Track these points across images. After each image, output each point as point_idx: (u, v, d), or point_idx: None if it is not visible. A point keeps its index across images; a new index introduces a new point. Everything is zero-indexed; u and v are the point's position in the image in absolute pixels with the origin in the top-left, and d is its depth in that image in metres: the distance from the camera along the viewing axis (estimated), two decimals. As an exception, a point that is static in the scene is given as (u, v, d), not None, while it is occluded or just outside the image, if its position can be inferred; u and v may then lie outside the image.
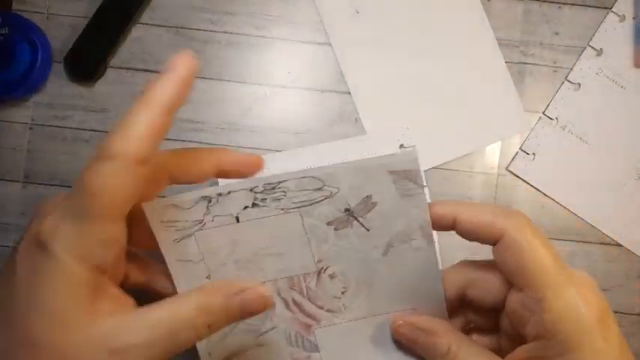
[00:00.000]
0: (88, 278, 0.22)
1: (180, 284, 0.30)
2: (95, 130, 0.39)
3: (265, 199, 0.29)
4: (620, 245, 0.39)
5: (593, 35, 0.40)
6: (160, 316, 0.23)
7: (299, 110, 0.39)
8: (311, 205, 0.30)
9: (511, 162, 0.39)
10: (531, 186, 0.39)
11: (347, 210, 0.30)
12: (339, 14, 0.39)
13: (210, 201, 0.29)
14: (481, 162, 0.39)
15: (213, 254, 0.29)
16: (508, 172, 0.39)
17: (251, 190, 0.29)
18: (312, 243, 0.31)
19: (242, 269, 0.30)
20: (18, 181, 0.38)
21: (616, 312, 0.38)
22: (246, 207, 0.29)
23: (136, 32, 0.39)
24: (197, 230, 0.29)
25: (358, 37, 0.39)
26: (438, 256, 0.31)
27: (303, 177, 0.29)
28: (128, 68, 0.39)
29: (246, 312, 0.26)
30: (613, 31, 0.39)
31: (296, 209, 0.30)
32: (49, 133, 0.39)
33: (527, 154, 0.39)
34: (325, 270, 0.31)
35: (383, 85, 0.39)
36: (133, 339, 0.22)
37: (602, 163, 0.39)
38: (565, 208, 0.39)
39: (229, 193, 0.29)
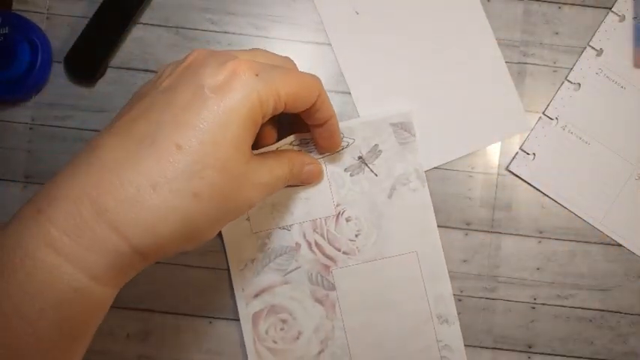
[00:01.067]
0: (257, 126, 0.29)
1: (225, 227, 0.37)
2: (96, 131, 0.39)
3: (300, 150, 0.36)
4: (620, 245, 0.39)
5: (593, 35, 0.40)
6: (272, 166, 0.31)
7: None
8: (333, 154, 0.37)
9: (511, 162, 0.39)
10: (531, 186, 0.39)
11: (360, 157, 0.37)
12: (339, 14, 0.39)
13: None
14: (481, 162, 0.39)
15: None
16: (508, 172, 0.39)
17: (290, 143, 0.36)
18: (332, 188, 0.37)
19: (276, 212, 0.37)
20: (18, 182, 0.38)
21: (616, 312, 0.38)
22: None
23: (137, 32, 0.39)
24: None
25: (358, 38, 0.39)
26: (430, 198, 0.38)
27: None
28: (128, 68, 0.39)
29: (307, 180, 0.36)
30: (613, 31, 0.39)
31: (322, 157, 0.37)
32: (50, 134, 0.39)
33: (527, 154, 0.39)
34: (343, 213, 0.37)
35: (383, 85, 0.39)
36: (263, 179, 0.30)
37: (602, 163, 0.39)
38: (565, 208, 0.39)
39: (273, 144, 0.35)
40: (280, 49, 0.39)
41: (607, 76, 0.39)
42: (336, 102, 0.39)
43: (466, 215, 0.39)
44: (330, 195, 0.38)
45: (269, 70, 0.29)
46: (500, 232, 0.39)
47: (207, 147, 0.26)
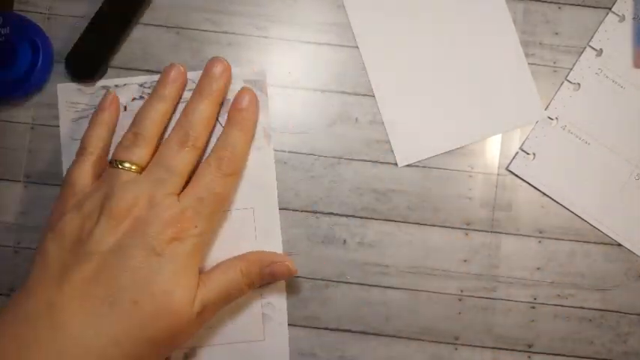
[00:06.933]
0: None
1: (66, 159, 0.38)
2: (96, 130, 0.39)
3: (149, 93, 0.36)
4: (620, 245, 0.39)
5: (593, 35, 0.40)
6: (219, 279, 0.33)
7: (299, 110, 0.39)
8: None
9: (511, 162, 0.39)
10: (531, 186, 0.39)
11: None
12: (367, 16, 0.39)
13: (108, 90, 0.38)
14: (481, 162, 0.39)
15: None
16: (508, 172, 0.39)
17: (140, 85, 0.37)
18: None
19: None
20: (19, 181, 0.38)
21: (616, 312, 0.38)
22: (134, 99, 0.38)
23: (137, 32, 0.39)
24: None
25: (383, 38, 0.39)
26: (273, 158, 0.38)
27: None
28: (129, 68, 0.39)
29: (275, 278, 0.36)
30: (613, 31, 0.40)
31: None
32: (51, 133, 0.39)
33: (527, 154, 0.39)
34: None
35: (404, 83, 0.39)
36: (210, 299, 0.33)
37: (602, 163, 0.39)
38: (565, 208, 0.39)
39: (125, 85, 0.38)
40: (280, 49, 0.39)
41: (607, 76, 0.39)
42: (336, 102, 0.39)
43: (466, 215, 0.39)
44: None
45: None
46: (500, 232, 0.39)
47: (160, 298, 0.30)
